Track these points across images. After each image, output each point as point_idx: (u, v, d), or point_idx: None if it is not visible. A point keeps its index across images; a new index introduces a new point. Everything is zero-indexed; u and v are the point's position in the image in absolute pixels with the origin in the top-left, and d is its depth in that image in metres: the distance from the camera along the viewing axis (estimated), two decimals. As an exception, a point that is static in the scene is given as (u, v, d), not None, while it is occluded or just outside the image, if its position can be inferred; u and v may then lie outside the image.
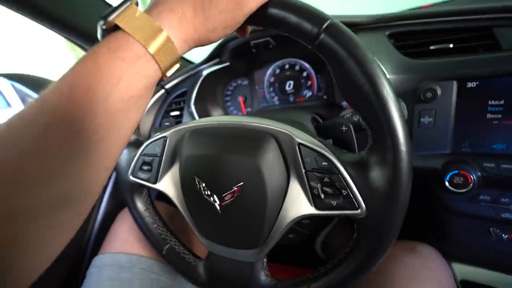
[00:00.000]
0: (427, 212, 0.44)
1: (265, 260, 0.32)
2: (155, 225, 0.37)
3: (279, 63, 0.59)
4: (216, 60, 0.59)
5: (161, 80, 0.24)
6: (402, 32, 0.42)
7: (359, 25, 0.45)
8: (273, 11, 0.24)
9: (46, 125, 0.18)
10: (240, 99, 0.63)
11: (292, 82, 0.59)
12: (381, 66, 0.24)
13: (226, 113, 0.64)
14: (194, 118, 0.56)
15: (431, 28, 0.40)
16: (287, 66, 0.59)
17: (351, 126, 0.30)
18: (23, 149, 0.17)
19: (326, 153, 0.25)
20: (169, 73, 0.24)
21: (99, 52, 0.20)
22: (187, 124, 0.33)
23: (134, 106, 0.22)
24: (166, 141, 0.34)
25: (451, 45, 0.39)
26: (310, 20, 0.23)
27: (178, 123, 0.48)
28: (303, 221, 0.34)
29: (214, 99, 0.61)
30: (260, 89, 0.63)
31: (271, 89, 0.62)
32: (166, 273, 0.41)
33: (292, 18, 0.23)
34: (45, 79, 0.61)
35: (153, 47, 0.21)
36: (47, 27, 0.47)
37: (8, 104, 0.63)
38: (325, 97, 0.57)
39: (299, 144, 0.26)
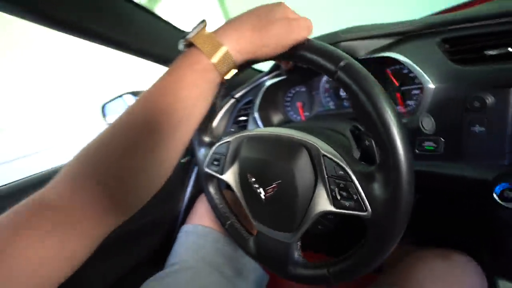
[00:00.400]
0: (480, 224, 0.42)
1: (299, 243, 0.39)
2: (221, 206, 0.49)
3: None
4: (277, 72, 0.67)
5: (222, 83, 0.33)
6: (454, 38, 0.41)
7: (407, 33, 0.46)
8: (304, 53, 0.31)
9: (150, 116, 0.29)
10: (299, 104, 0.70)
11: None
12: (388, 96, 0.27)
13: (286, 117, 0.72)
14: (257, 124, 0.66)
15: (487, 31, 0.38)
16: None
17: (372, 141, 0.34)
18: (138, 129, 0.29)
19: (342, 164, 0.31)
20: (227, 77, 0.33)
21: (181, 66, 0.31)
22: (245, 132, 0.43)
23: (202, 102, 0.32)
24: (229, 144, 0.45)
25: (511, 49, 0.36)
26: (329, 60, 0.29)
27: (242, 128, 0.59)
28: (328, 216, 0.40)
29: (276, 106, 0.70)
30: (316, 95, 0.68)
31: (327, 94, 0.66)
32: (229, 245, 0.54)
33: (318, 59, 0.30)
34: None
35: (215, 59, 0.30)
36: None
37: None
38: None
39: (323, 155, 0.33)
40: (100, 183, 0.27)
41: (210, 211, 0.53)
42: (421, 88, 0.50)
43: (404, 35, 0.46)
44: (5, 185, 0.49)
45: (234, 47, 0.31)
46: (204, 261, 0.50)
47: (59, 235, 0.24)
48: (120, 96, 0.81)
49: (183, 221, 0.61)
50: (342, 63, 0.28)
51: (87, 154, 0.29)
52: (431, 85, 0.41)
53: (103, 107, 0.87)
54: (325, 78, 0.66)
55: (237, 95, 0.72)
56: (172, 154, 0.31)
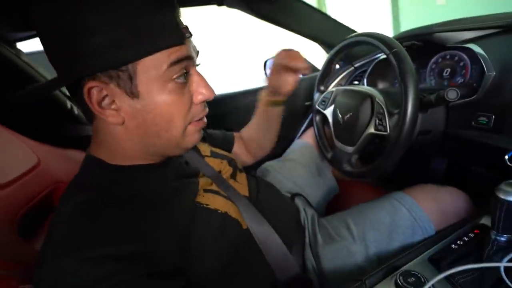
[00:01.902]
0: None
1: (356, 155, 0.67)
2: (319, 131, 0.82)
3: (442, 54, 0.76)
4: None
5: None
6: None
7: (494, 28, 0.57)
8: (369, 39, 0.56)
9: None
10: (405, 78, 0.87)
11: (449, 70, 0.75)
12: (415, 78, 0.49)
13: (391, 86, 0.91)
14: (363, 87, 0.90)
15: None
16: (448, 56, 0.75)
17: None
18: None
19: (383, 107, 0.56)
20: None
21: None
22: (342, 87, 0.72)
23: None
24: (333, 93, 0.75)
25: None
26: (386, 45, 0.53)
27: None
28: (375, 140, 0.64)
29: (384, 76, 0.90)
30: (422, 73, 0.83)
31: (431, 73, 0.80)
32: (317, 156, 0.87)
33: (379, 44, 0.55)
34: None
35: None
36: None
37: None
38: (474, 84, 0.69)
39: (377, 101, 0.58)
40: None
41: (313, 134, 0.87)
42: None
43: (492, 29, 0.58)
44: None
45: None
46: (302, 160, 0.86)
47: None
48: (278, 55, 1.23)
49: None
50: (393, 50, 0.52)
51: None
52: (492, 73, 0.55)
53: (265, 63, 1.32)
54: (434, 59, 0.79)
55: (356, 65, 0.96)
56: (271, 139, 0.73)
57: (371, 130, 0.60)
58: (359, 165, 0.67)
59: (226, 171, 0.56)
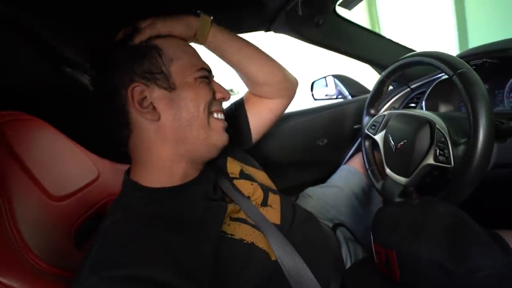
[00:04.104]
0: None
1: (411, 188, 0.59)
2: (369, 157, 0.75)
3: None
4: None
5: None
6: None
7: None
8: (431, 60, 0.50)
9: None
10: (474, 100, 0.76)
11: (535, 90, 0.63)
12: (488, 105, 0.41)
13: (457, 109, 0.80)
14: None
15: None
16: (533, 75, 0.63)
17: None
18: None
19: (446, 135, 0.48)
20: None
21: None
22: (396, 110, 0.66)
23: None
24: (384, 117, 0.69)
25: None
26: (448, 65, 0.47)
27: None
28: (434, 172, 0.55)
29: (447, 98, 0.80)
30: (498, 94, 0.71)
31: (511, 94, 0.68)
32: (366, 184, 0.79)
33: (439, 64, 0.48)
34: (351, 79, 1.14)
35: None
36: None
37: (326, 85, 1.26)
38: None
39: (437, 128, 0.51)
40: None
41: (361, 159, 0.80)
42: None
43: None
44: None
45: None
46: (348, 187, 0.80)
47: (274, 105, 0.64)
48: (324, 77, 1.19)
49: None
50: (459, 71, 0.45)
51: None
52: None
53: (312, 83, 1.30)
54: (514, 78, 0.67)
55: (413, 86, 0.87)
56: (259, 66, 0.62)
57: (430, 161, 0.52)
58: (414, 199, 0.59)
59: (257, 196, 0.54)
